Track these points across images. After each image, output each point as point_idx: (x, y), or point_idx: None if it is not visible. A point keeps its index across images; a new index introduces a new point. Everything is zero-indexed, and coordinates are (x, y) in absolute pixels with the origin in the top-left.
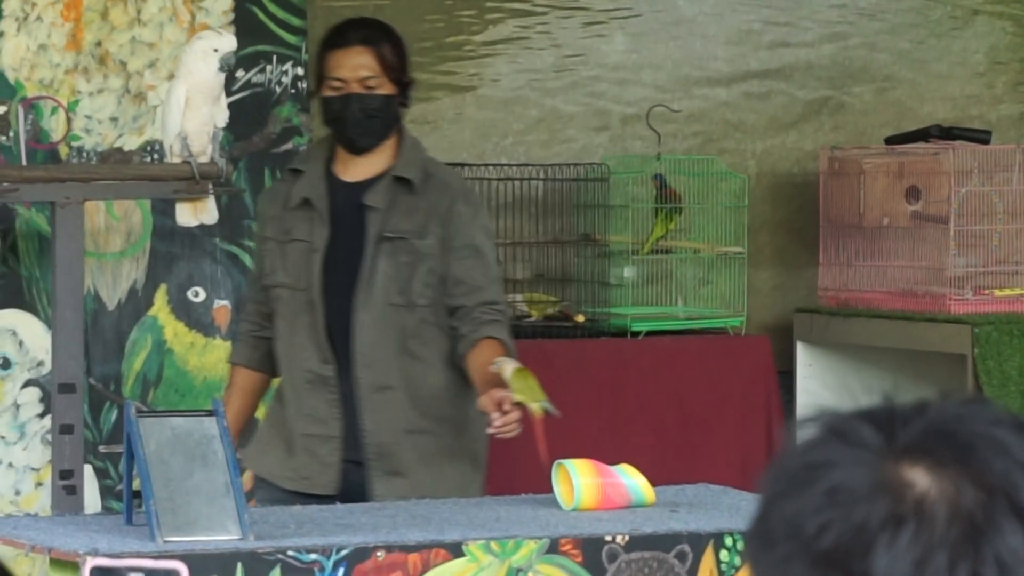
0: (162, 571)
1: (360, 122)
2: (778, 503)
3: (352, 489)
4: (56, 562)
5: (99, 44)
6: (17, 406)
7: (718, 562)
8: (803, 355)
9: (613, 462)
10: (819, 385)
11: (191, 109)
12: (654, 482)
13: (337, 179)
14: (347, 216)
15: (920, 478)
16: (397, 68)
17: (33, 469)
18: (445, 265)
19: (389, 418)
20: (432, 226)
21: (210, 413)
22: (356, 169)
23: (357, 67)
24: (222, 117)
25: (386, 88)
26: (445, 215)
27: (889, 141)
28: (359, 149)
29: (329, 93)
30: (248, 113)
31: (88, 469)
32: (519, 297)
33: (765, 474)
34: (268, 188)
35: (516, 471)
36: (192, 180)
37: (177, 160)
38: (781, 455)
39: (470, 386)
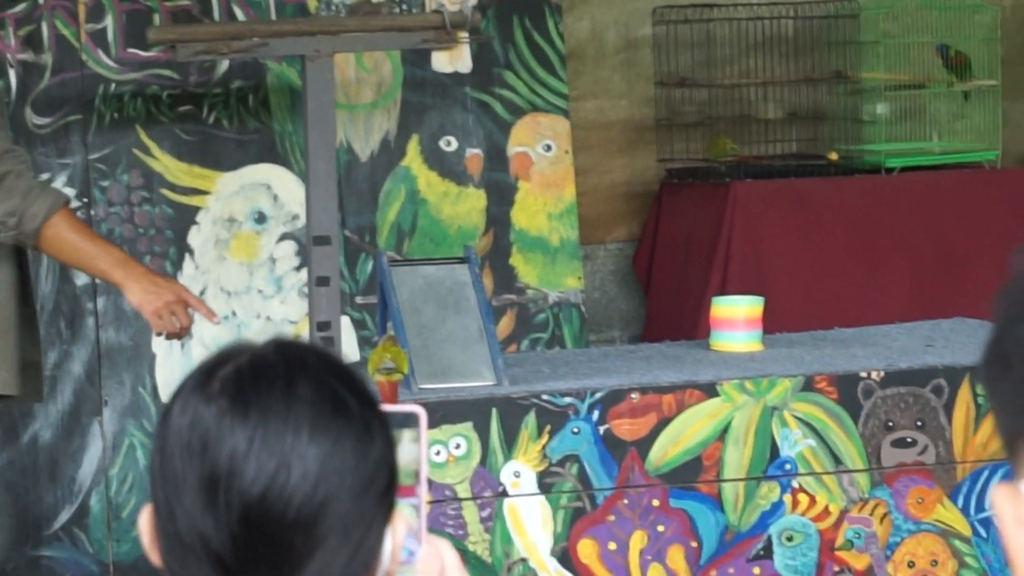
0: (400, 415)
1: None
2: (1012, 326)
3: None
4: None
5: None
6: (273, 260)
7: (975, 395)
8: None
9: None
10: None
11: None
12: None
13: None
14: None
15: None
16: None
17: (291, 322)
18: None
19: None
20: None
21: (462, 260)
22: None
23: None
24: None
25: None
26: None
27: None
28: None
29: None
30: None
31: (345, 320)
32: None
33: (998, 299)
34: None
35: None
36: (442, 29)
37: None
38: (1013, 279)
39: None
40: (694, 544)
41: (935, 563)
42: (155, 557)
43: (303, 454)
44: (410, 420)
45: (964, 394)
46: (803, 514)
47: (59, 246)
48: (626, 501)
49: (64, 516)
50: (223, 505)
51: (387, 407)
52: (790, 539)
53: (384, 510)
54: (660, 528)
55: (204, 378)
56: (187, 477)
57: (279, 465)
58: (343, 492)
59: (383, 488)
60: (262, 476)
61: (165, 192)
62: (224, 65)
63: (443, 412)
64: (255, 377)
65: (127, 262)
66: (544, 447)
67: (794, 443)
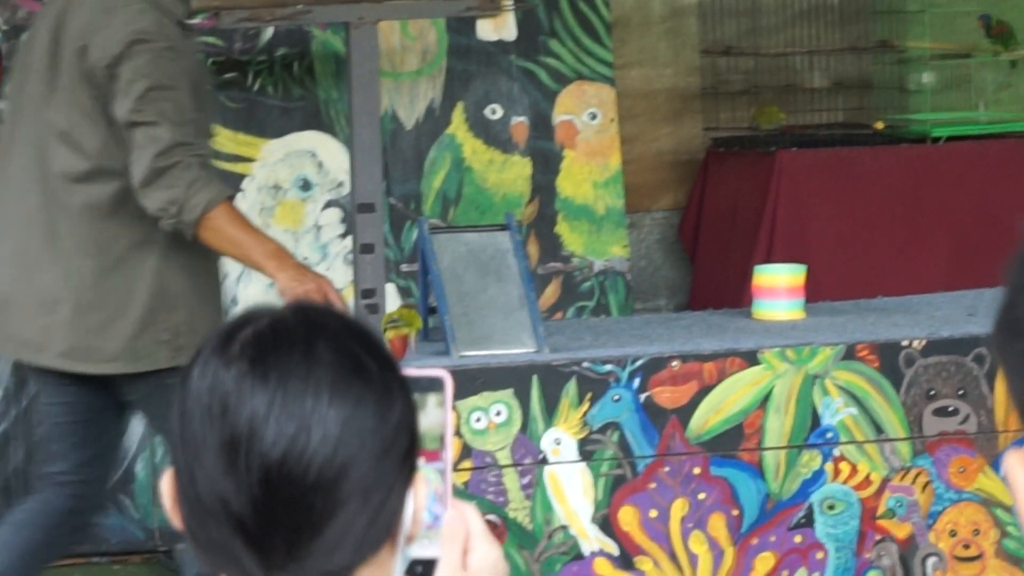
0: (425, 379)
1: None
2: (1023, 294)
3: None
4: None
5: None
6: (318, 227)
7: None
8: None
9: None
10: None
11: None
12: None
13: None
14: None
15: None
16: None
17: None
18: None
19: None
20: None
21: (503, 227)
22: None
23: None
24: None
25: None
26: None
27: None
28: None
29: None
30: None
31: (390, 288)
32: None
33: (1010, 266)
34: None
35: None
36: None
37: None
38: None
39: None
40: (735, 512)
41: (977, 532)
42: (177, 520)
43: (323, 417)
44: (436, 384)
45: None
46: (844, 482)
47: (216, 237)
48: (667, 469)
49: (110, 482)
50: (243, 468)
51: (412, 371)
52: (831, 508)
53: (405, 473)
54: (701, 496)
55: (224, 341)
56: (207, 440)
57: (299, 428)
58: (363, 455)
59: (403, 451)
60: (282, 439)
61: None
62: (268, 32)
63: (484, 379)
64: (275, 340)
65: (280, 254)
66: (585, 414)
67: (835, 411)
